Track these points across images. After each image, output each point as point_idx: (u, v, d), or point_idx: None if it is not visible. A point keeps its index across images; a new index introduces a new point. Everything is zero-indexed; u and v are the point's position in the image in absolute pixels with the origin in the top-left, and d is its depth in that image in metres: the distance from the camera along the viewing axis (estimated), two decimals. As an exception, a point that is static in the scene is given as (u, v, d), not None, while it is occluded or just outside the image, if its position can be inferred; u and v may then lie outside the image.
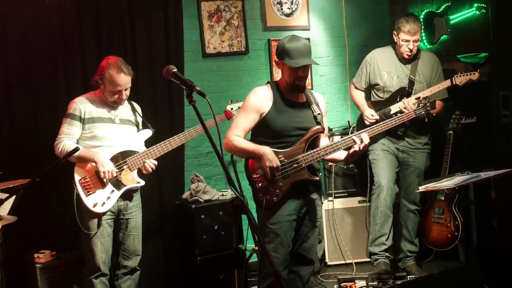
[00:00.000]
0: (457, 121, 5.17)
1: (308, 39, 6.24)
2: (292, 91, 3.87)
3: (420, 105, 4.54)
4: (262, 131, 3.85)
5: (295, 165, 3.79)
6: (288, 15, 6.21)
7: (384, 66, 5.29)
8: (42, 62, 4.93)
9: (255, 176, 3.79)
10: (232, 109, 4.80)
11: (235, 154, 3.97)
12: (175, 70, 2.85)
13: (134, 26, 5.30)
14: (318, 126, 3.87)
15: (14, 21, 4.80)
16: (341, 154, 3.97)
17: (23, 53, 4.86)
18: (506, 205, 5.27)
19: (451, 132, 5.17)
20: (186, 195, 5.36)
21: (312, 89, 6.22)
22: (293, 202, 3.85)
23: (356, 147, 3.80)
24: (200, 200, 5.22)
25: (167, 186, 5.46)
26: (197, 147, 5.76)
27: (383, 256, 5.32)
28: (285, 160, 3.78)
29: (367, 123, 5.20)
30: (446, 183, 4.23)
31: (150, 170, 4.34)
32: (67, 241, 4.79)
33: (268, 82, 3.99)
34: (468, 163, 5.37)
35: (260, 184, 3.79)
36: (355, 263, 5.69)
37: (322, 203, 5.53)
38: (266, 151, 3.73)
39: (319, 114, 3.92)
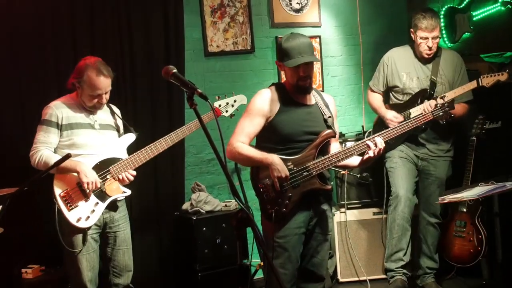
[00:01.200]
0: (480, 126, 5.15)
1: (319, 36, 6.26)
2: (298, 93, 3.87)
3: (438, 105, 4.48)
4: (268, 136, 3.82)
5: (305, 173, 3.76)
6: (297, 10, 6.20)
7: (402, 67, 5.27)
8: (31, 60, 4.93)
9: (262, 186, 3.78)
10: (220, 105, 4.70)
11: (240, 162, 3.95)
12: (175, 70, 2.86)
13: (131, 22, 5.31)
14: (329, 130, 3.84)
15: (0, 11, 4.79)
16: (354, 160, 3.95)
17: (10, 52, 4.87)
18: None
19: (474, 138, 5.15)
20: (186, 205, 5.35)
21: (323, 90, 6.20)
22: (302, 213, 3.82)
23: (370, 153, 3.79)
24: (202, 211, 5.22)
25: (166, 196, 5.46)
26: (198, 154, 5.75)
27: (400, 272, 5.30)
28: (294, 168, 3.76)
29: (392, 126, 5.16)
30: (469, 194, 4.21)
31: (127, 181, 4.25)
32: (56, 254, 4.76)
33: (273, 84, 3.98)
34: (493, 172, 5.35)
35: (268, 195, 3.77)
36: (370, 280, 5.65)
37: (333, 214, 5.56)
38: (274, 159, 3.71)
39: (329, 117, 3.90)
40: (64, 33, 5.03)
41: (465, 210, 5.25)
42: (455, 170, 5.38)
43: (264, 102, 3.81)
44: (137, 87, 5.31)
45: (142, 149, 4.28)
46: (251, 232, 2.79)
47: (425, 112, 4.70)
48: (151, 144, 4.31)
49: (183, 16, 5.57)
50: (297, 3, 6.18)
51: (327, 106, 3.97)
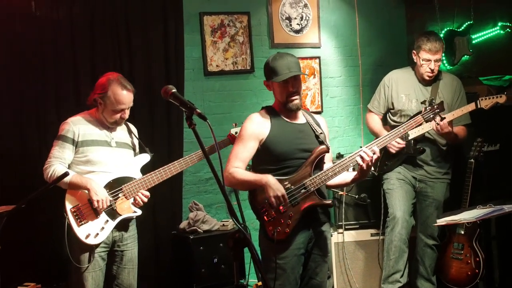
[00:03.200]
0: (478, 149, 5.15)
1: (319, 57, 6.29)
2: (288, 111, 3.88)
3: (428, 108, 4.52)
4: (263, 158, 3.84)
5: (303, 190, 3.77)
6: (297, 31, 6.24)
7: (402, 89, 5.27)
8: (32, 83, 4.96)
9: (261, 208, 3.76)
10: (236, 132, 4.70)
11: (237, 187, 3.95)
12: (174, 90, 2.87)
13: (131, 41, 5.34)
14: (323, 146, 3.84)
15: (1, 33, 4.84)
16: (347, 177, 3.96)
17: (10, 69, 4.90)
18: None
19: (472, 160, 5.15)
20: (183, 224, 5.34)
21: (322, 111, 6.24)
22: (303, 234, 3.81)
23: (362, 161, 3.74)
24: (199, 230, 5.21)
25: (163, 214, 5.45)
26: (196, 173, 5.75)
27: (397, 294, 5.29)
28: (292, 187, 3.75)
29: (393, 151, 5.18)
30: (466, 216, 4.20)
31: (141, 203, 4.26)
32: (54, 272, 4.76)
33: (263, 108, 4.01)
34: (491, 195, 5.35)
35: (268, 217, 3.77)
36: (367, 301, 5.65)
37: (331, 235, 5.55)
38: (269, 179, 3.71)
39: (321, 133, 3.92)
40: (65, 54, 5.08)
41: (462, 232, 5.24)
42: (453, 192, 5.37)
43: (254, 125, 3.84)
44: (136, 105, 5.29)
45: (156, 171, 4.29)
46: (248, 251, 2.78)
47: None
48: (165, 166, 4.32)
49: (183, 35, 5.60)
50: (297, 24, 6.22)
51: (318, 125, 3.99)
